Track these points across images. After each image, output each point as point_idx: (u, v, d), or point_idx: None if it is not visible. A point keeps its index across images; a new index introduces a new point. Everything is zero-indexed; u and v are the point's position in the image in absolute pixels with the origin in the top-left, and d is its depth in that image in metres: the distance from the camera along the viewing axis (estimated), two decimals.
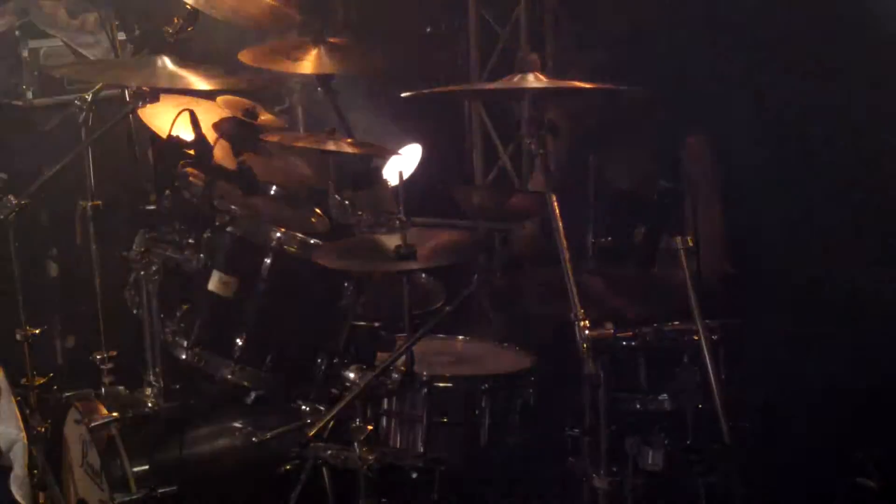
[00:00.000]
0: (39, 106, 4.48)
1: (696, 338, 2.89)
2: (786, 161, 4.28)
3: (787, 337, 3.74)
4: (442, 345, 3.56)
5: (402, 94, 3.10)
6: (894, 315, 3.79)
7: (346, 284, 3.58)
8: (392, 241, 3.32)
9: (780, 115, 4.39)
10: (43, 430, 3.86)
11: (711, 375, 2.82)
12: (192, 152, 3.62)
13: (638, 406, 3.15)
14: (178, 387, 3.65)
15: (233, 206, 3.63)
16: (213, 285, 3.57)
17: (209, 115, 3.85)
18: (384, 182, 3.91)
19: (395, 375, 3.20)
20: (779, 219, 4.21)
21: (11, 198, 3.71)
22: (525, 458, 3.27)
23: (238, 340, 3.55)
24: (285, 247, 3.54)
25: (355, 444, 3.20)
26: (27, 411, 3.87)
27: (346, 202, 3.65)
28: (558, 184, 3.85)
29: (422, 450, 3.22)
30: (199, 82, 3.63)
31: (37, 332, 3.90)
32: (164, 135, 3.71)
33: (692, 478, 3.07)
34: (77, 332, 4.45)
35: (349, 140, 3.78)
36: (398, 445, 3.25)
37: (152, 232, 3.63)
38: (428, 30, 5.48)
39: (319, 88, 4.02)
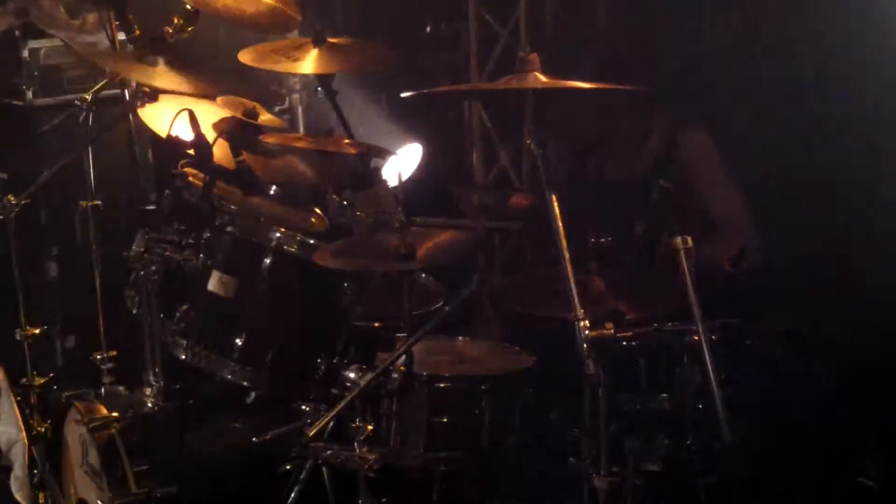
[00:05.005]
0: (39, 106, 4.48)
1: (696, 338, 2.89)
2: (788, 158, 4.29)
3: (786, 336, 3.74)
4: (442, 345, 3.55)
5: (402, 95, 3.10)
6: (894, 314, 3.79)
7: (345, 284, 3.58)
8: (392, 241, 3.32)
9: (781, 114, 4.40)
10: (43, 430, 3.86)
11: (711, 375, 2.82)
12: (191, 152, 3.62)
13: (638, 406, 3.14)
14: (178, 387, 3.65)
15: (233, 206, 3.63)
16: (213, 285, 3.57)
17: (209, 114, 3.84)
18: (384, 182, 3.90)
19: (395, 375, 3.20)
20: (779, 217, 4.21)
21: (11, 198, 3.72)
22: (525, 458, 3.27)
23: (238, 340, 3.55)
24: (285, 247, 3.54)
25: (355, 444, 3.20)
26: (27, 411, 3.87)
27: (346, 202, 3.65)
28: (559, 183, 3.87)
29: (422, 450, 3.22)
30: (198, 85, 3.63)
31: (37, 332, 3.90)
32: (163, 135, 3.71)
33: (692, 478, 3.07)
34: (77, 332, 4.45)
35: (349, 140, 3.78)
36: (398, 445, 3.24)
37: (152, 232, 3.63)
38: (428, 30, 5.48)
39: (319, 88, 4.02)
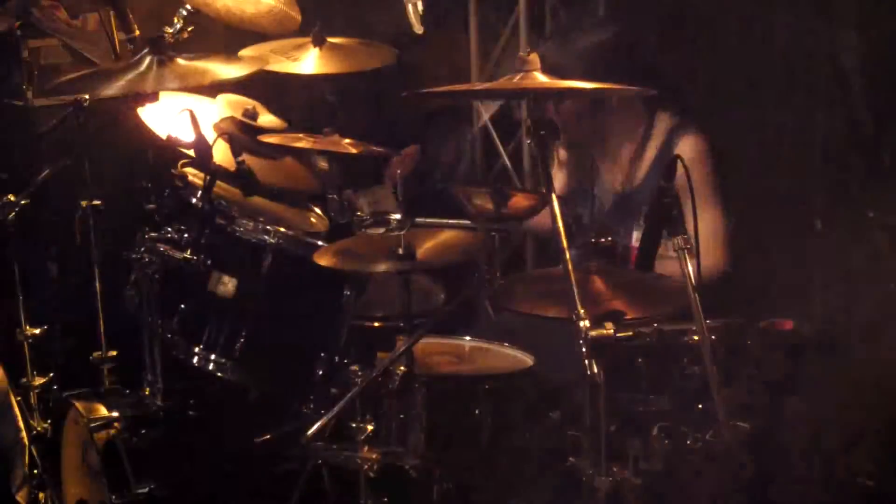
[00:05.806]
0: (39, 106, 4.48)
1: (696, 338, 2.89)
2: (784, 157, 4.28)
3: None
4: (442, 345, 3.55)
5: (402, 94, 3.10)
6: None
7: (345, 284, 3.58)
8: (392, 241, 3.32)
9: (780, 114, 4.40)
10: (43, 430, 3.86)
11: (711, 375, 2.82)
12: (191, 152, 3.62)
13: (638, 406, 3.14)
14: (178, 387, 3.65)
15: (233, 207, 3.63)
16: (213, 285, 3.58)
17: (209, 114, 3.84)
18: (384, 182, 3.91)
19: (395, 375, 3.20)
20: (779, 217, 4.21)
21: (11, 198, 3.72)
22: (525, 458, 3.27)
23: (238, 340, 3.55)
24: (285, 247, 3.54)
25: (355, 444, 3.20)
26: (27, 411, 3.87)
27: (346, 202, 3.65)
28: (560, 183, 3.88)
29: (422, 450, 3.22)
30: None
31: (37, 332, 3.90)
32: (163, 135, 3.71)
33: (692, 477, 3.06)
34: (77, 332, 4.45)
35: (349, 140, 3.78)
36: (398, 445, 3.24)
37: (152, 232, 3.63)
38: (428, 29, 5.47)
39: (320, 88, 4.03)
